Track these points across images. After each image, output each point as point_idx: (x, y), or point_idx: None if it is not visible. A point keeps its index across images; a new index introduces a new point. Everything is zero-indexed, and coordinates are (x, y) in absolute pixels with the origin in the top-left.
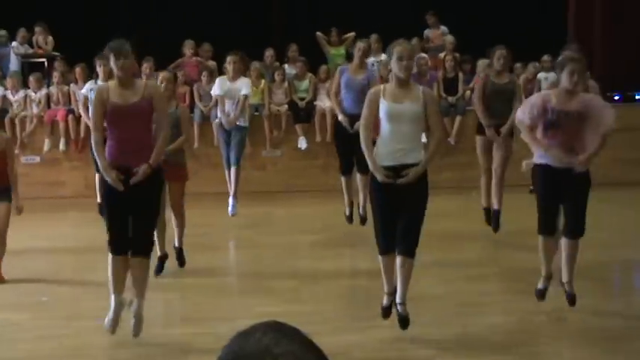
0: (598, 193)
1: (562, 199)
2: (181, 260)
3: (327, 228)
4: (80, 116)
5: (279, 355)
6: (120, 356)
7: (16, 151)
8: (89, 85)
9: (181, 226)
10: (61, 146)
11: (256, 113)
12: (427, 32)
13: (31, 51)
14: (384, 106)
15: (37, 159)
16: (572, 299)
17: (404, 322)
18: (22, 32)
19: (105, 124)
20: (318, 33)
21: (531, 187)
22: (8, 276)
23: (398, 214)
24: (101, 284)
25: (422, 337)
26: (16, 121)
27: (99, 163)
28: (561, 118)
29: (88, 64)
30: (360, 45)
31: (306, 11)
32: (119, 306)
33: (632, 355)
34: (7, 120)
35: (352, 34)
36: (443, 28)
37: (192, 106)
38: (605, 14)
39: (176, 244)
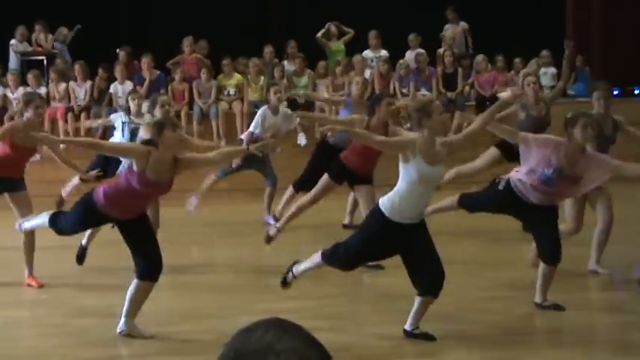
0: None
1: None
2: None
3: (329, 224)
4: (80, 113)
5: (281, 352)
6: (120, 353)
7: None
8: (120, 116)
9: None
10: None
11: (256, 110)
12: (447, 27)
13: (30, 49)
14: (417, 167)
15: (37, 157)
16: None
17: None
18: (21, 30)
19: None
20: (318, 35)
21: None
22: (7, 274)
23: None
24: (101, 282)
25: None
26: (16, 119)
27: None
28: (560, 177)
29: (86, 61)
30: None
31: (305, 7)
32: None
33: (636, 349)
34: (6, 118)
35: (351, 33)
36: (462, 23)
37: (191, 103)
38: (603, 9)
39: None
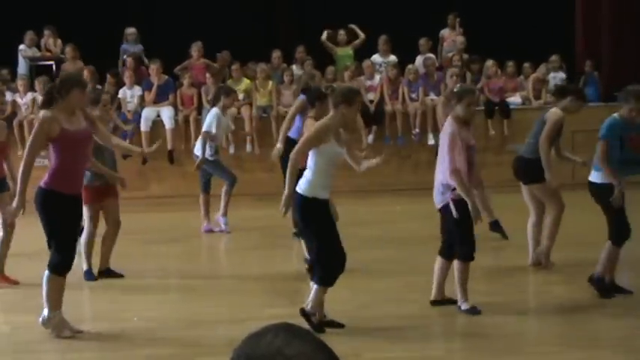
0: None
1: None
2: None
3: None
4: None
5: (291, 357)
6: (128, 358)
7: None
8: None
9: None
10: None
11: (264, 115)
12: (443, 32)
13: (39, 54)
14: (332, 148)
15: (46, 161)
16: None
17: None
18: (30, 35)
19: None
20: (323, 38)
21: None
22: (15, 278)
23: None
24: (110, 287)
25: (431, 338)
26: (25, 124)
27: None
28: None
29: (95, 66)
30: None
31: (314, 12)
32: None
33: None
34: (15, 123)
35: (361, 37)
36: (460, 30)
37: (199, 109)
38: (612, 12)
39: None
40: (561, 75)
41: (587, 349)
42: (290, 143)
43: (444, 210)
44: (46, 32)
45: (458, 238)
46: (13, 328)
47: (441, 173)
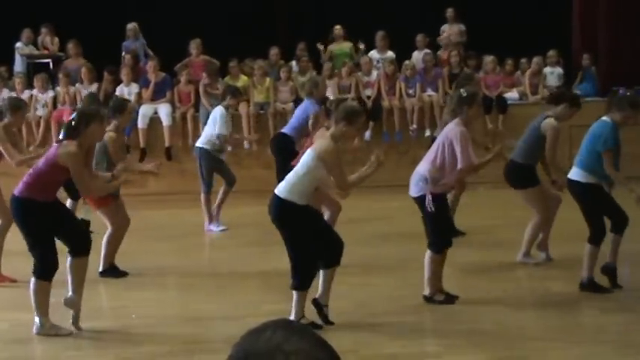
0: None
1: None
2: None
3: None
4: None
5: (290, 353)
6: (127, 355)
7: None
8: None
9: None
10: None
11: (262, 111)
12: (444, 27)
13: (36, 52)
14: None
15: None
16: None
17: None
18: (27, 33)
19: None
20: (318, 45)
21: None
22: (16, 277)
23: None
24: (108, 284)
25: (430, 334)
26: None
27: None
28: None
29: (93, 64)
30: None
31: (311, 8)
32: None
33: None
34: None
35: (362, 47)
36: (460, 26)
37: (197, 106)
38: (609, 8)
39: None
40: (559, 70)
41: (585, 344)
42: (282, 139)
43: (420, 200)
44: (44, 30)
45: (430, 228)
46: (11, 325)
47: (425, 164)
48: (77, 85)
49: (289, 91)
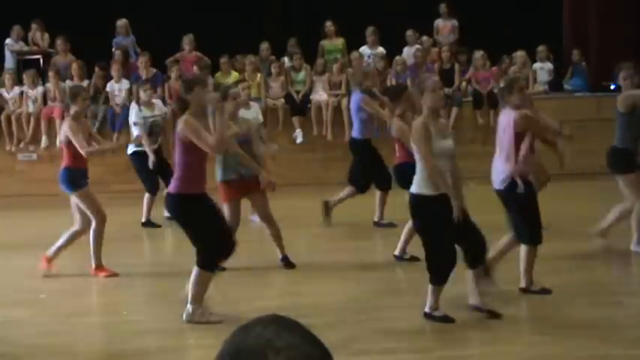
0: (601, 182)
1: None
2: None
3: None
4: None
5: (280, 349)
6: (119, 352)
7: (13, 149)
8: (134, 109)
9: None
10: (58, 143)
11: None
12: (438, 22)
13: (26, 48)
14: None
15: (34, 156)
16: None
17: None
18: (16, 29)
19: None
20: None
21: None
22: (6, 273)
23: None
24: (99, 281)
25: (421, 329)
26: (12, 119)
27: None
28: None
29: (84, 60)
30: None
31: (301, 3)
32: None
33: (629, 343)
34: (2, 117)
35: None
36: (454, 21)
37: None
38: (600, 3)
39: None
40: (549, 65)
41: (578, 338)
42: (356, 143)
43: (505, 192)
44: (34, 26)
45: (521, 220)
46: (4, 321)
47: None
48: (67, 81)
49: (280, 86)
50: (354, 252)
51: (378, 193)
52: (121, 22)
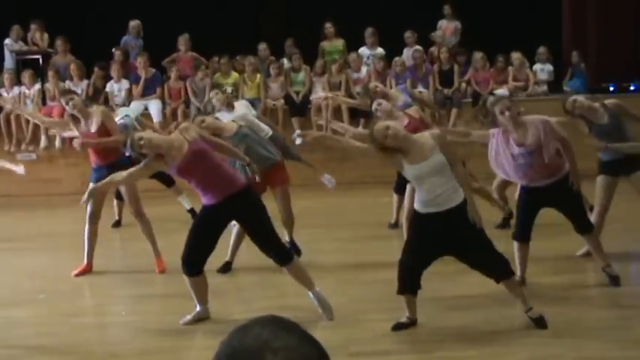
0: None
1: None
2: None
3: (325, 222)
4: None
5: (278, 349)
6: (117, 352)
7: (12, 149)
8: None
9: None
10: (57, 143)
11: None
12: (441, 23)
13: (25, 48)
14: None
15: (34, 156)
16: (615, 280)
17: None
18: (16, 29)
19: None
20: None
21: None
22: (5, 273)
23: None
24: (98, 281)
25: (420, 330)
26: (12, 118)
27: None
28: (524, 154)
29: (83, 60)
30: None
31: (301, 4)
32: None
33: (626, 343)
34: (1, 117)
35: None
36: (457, 23)
37: (187, 102)
38: (599, 4)
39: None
40: (549, 67)
41: (576, 339)
42: None
43: (564, 183)
44: (33, 26)
45: (578, 210)
46: (3, 322)
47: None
48: (67, 81)
49: (279, 87)
50: (353, 253)
51: (395, 196)
52: (134, 23)
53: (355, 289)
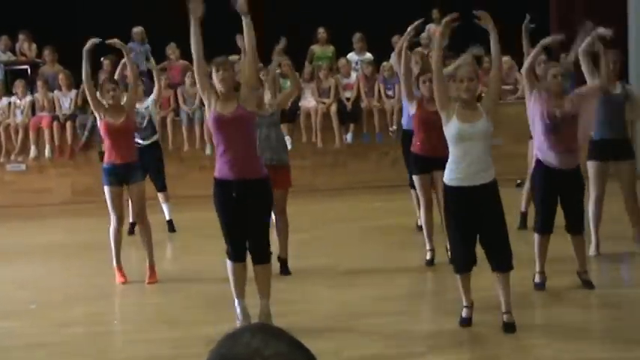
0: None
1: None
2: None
3: (315, 227)
4: (65, 122)
5: (269, 357)
6: None
7: (1, 160)
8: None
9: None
10: (47, 153)
11: None
12: (430, 27)
13: (13, 58)
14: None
15: (23, 167)
16: (588, 284)
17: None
18: (4, 39)
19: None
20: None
21: (518, 181)
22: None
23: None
24: (90, 291)
25: (413, 334)
26: (1, 129)
27: None
28: (557, 121)
29: (71, 70)
30: None
31: (289, 10)
32: (244, 310)
33: (622, 345)
34: None
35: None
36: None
37: (177, 110)
38: (586, 6)
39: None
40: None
41: (572, 340)
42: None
43: (577, 173)
44: (21, 36)
45: (581, 207)
46: None
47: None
48: (55, 91)
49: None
50: (345, 258)
51: (414, 193)
52: (137, 30)
53: (345, 294)
